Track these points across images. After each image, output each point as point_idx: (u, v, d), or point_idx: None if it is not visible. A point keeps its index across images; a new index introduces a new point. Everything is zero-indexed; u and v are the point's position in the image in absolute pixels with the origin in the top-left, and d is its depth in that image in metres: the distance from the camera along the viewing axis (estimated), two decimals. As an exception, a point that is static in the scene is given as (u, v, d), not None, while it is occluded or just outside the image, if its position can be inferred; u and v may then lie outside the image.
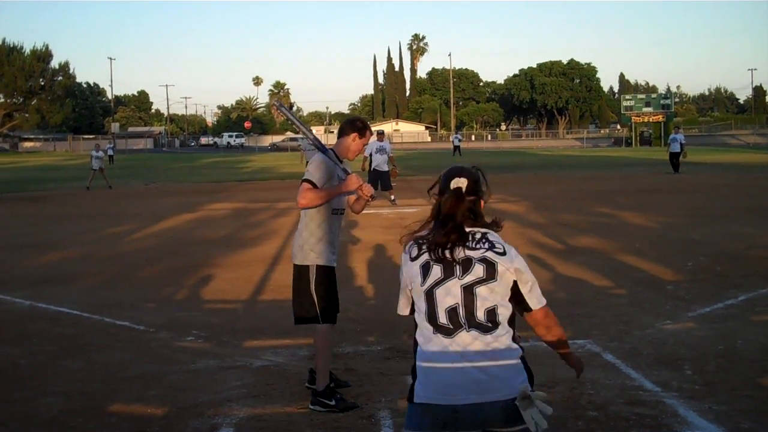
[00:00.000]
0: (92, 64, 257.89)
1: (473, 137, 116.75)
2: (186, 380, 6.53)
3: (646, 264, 11.26)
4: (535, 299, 3.34)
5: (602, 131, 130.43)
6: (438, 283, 3.24)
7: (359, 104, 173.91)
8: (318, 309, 5.74)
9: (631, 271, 10.75)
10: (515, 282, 3.28)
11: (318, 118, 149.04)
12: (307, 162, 5.92)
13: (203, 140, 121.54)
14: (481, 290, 3.22)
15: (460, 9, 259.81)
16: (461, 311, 3.21)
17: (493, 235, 3.32)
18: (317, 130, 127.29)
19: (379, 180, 20.54)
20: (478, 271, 3.22)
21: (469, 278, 3.22)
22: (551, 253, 12.46)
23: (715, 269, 10.79)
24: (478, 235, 3.29)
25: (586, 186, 26.93)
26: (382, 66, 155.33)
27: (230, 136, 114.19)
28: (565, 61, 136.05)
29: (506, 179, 32.27)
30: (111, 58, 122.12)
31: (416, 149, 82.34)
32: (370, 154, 20.76)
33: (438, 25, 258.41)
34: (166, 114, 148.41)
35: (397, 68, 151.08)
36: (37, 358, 7.35)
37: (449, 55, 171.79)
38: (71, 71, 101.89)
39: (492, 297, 3.23)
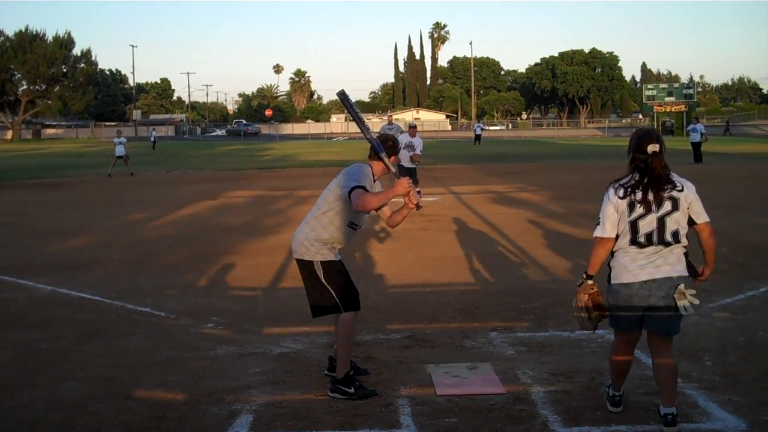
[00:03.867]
0: (114, 52, 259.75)
1: (495, 126, 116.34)
2: (206, 366, 6.57)
3: (667, 254, 11.17)
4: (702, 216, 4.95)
5: (624, 121, 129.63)
6: (640, 216, 4.83)
7: (380, 93, 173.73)
8: (337, 298, 5.76)
9: (651, 262, 10.69)
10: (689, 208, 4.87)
11: (338, 106, 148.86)
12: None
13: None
14: (668, 219, 4.83)
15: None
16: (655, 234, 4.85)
17: (674, 177, 4.90)
18: (337, 118, 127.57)
19: (408, 176, 20.05)
20: (667, 205, 4.83)
21: (661, 211, 4.83)
22: (571, 243, 12.42)
23: (737, 260, 10.72)
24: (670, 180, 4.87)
25: (607, 176, 26.54)
26: (402, 54, 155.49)
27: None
28: (587, 50, 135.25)
29: (526, 168, 32.19)
30: (133, 46, 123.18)
31: (437, 138, 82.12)
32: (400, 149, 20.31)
33: (459, 13, 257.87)
34: (187, 101, 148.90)
35: (418, 56, 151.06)
36: (59, 343, 7.41)
37: (470, 43, 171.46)
38: (93, 58, 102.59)
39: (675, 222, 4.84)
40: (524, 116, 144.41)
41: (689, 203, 4.87)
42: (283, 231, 14.57)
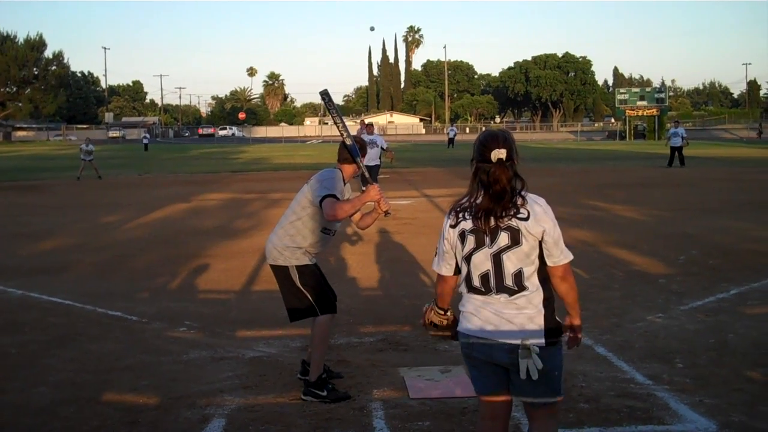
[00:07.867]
0: (86, 54, 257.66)
1: (468, 130, 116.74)
2: (178, 370, 6.53)
3: (638, 257, 11.28)
4: (556, 256, 3.65)
5: (596, 125, 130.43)
6: (473, 251, 3.67)
7: (354, 96, 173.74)
8: (313, 302, 5.75)
9: (623, 265, 10.77)
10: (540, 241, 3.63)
11: (312, 109, 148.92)
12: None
13: (201, 131, 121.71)
14: (506, 258, 3.60)
15: (456, 1, 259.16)
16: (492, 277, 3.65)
17: (528, 198, 3.64)
18: (311, 121, 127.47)
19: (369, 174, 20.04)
20: (504, 238, 3.60)
21: (496, 246, 3.61)
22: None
23: (708, 263, 10.81)
24: (518, 201, 3.62)
25: (580, 179, 26.94)
26: (377, 58, 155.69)
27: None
28: (560, 54, 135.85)
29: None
30: (105, 48, 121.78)
31: (410, 141, 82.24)
32: None
33: (433, 17, 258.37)
34: (160, 104, 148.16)
35: (392, 60, 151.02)
36: (29, 347, 7.33)
37: (444, 47, 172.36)
38: (65, 61, 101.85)
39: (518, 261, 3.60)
40: (498, 120, 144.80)
41: (539, 235, 3.60)
42: (256, 234, 14.53)
